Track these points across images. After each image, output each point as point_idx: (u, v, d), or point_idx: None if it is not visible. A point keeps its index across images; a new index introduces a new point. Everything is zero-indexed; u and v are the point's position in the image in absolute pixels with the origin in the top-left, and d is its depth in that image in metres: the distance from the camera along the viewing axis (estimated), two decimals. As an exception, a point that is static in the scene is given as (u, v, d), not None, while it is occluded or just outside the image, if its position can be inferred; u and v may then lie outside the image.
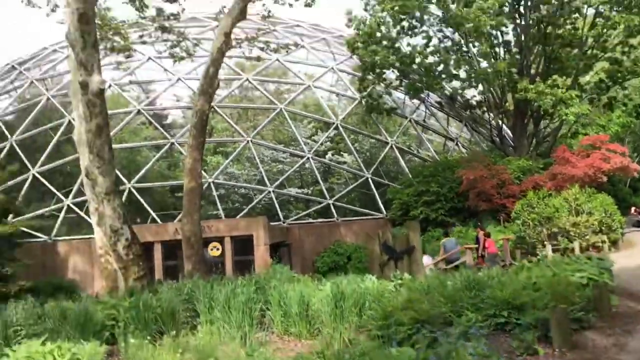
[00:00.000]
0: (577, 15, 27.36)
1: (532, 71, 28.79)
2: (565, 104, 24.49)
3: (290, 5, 20.65)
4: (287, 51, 27.40)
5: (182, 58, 21.93)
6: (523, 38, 28.08)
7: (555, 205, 19.32)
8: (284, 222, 28.87)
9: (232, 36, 18.03)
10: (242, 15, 17.09)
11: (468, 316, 6.93)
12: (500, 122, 31.08)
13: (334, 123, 31.89)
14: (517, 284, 8.14)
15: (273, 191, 29.46)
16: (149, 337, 8.16)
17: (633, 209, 27.16)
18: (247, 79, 31.67)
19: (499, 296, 7.49)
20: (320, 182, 31.52)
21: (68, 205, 26.98)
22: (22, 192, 27.12)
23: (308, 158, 31.08)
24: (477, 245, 18.57)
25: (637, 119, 30.87)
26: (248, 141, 29.96)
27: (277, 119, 33.99)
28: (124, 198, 23.39)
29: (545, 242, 18.71)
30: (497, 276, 9.74)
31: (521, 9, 28.06)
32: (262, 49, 22.85)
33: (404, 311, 7.38)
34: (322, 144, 33.95)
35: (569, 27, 27.36)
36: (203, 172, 24.05)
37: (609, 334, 7.12)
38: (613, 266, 11.20)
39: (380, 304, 8.19)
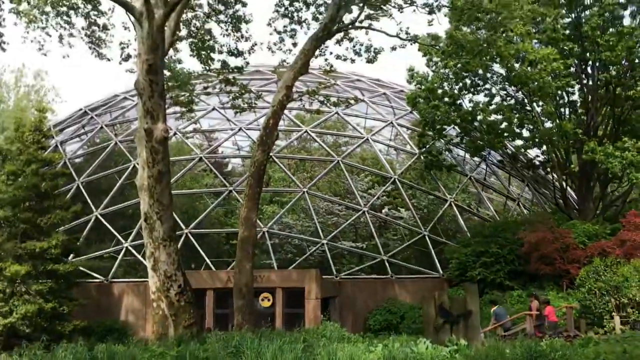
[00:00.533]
0: (648, 76, 26.56)
1: (600, 132, 27.94)
2: (636, 167, 23.45)
3: (353, 60, 20.93)
4: (347, 105, 27.64)
5: (244, 109, 22.44)
6: (590, 99, 27.36)
7: (625, 274, 18.23)
8: (336, 277, 28.46)
9: (294, 89, 18.34)
10: (304, 69, 17.41)
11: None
12: (564, 183, 30.03)
13: (391, 177, 31.68)
14: (583, 360, 7.55)
15: (327, 243, 29.21)
16: (193, 389, 7.97)
17: None
18: (306, 131, 32.06)
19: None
20: (375, 236, 31.07)
21: (127, 247, 27.55)
22: (84, 233, 27.91)
23: (364, 212, 30.79)
24: (535, 313, 17.73)
25: None
26: (304, 192, 30.04)
27: (334, 171, 34.06)
28: (180, 243, 23.81)
29: (614, 313, 17.56)
30: (561, 349, 9.09)
31: (588, 69, 27.47)
32: (322, 102, 23.12)
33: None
34: (378, 197, 33.65)
35: (639, 88, 26.51)
36: (258, 221, 24.20)
37: None
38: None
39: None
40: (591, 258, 21.04)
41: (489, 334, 15.56)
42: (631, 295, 17.65)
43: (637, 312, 17.48)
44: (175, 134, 30.20)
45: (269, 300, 24.59)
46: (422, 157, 31.42)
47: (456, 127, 30.60)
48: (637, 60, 25.12)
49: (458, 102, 29.51)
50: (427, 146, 30.96)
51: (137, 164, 17.30)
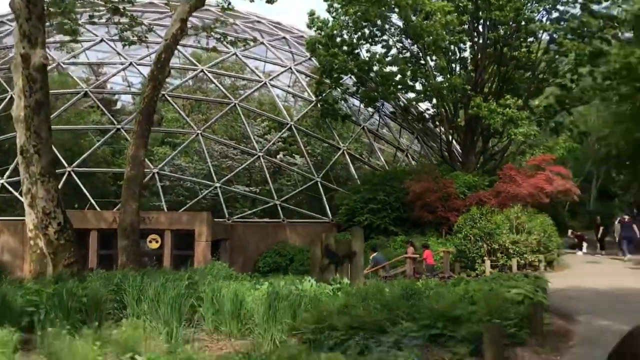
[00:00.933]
0: (532, 39, 28.10)
1: (486, 89, 29.34)
2: (515, 124, 25.01)
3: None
4: (245, 46, 26.98)
5: (134, 42, 21.19)
6: (479, 56, 28.58)
7: (497, 222, 19.62)
8: (228, 219, 28.36)
9: (189, 24, 17.56)
10: (200, 2, 16.66)
11: (403, 325, 6.79)
12: (450, 137, 31.50)
13: (287, 124, 31.65)
14: (454, 297, 8.09)
15: (220, 187, 28.91)
16: (69, 327, 7.69)
17: (570, 231, 27.95)
18: (202, 70, 31.07)
19: (435, 307, 7.40)
20: (270, 181, 31.17)
21: (2, 184, 25.73)
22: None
23: (259, 157, 30.67)
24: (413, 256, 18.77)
25: (580, 145, 31.85)
26: (198, 134, 29.33)
27: (230, 114, 33.43)
28: (62, 181, 22.53)
29: (485, 258, 18.95)
30: (435, 287, 9.70)
31: (480, 27, 28.57)
32: (218, 39, 22.34)
33: (339, 316, 7.20)
34: (274, 143, 33.60)
35: (524, 50, 28.05)
36: (148, 161, 23.36)
37: (540, 353, 7.13)
38: (548, 285, 11.37)
39: (315, 307, 7.97)
40: (469, 207, 22.46)
41: (370, 275, 16.29)
42: (501, 241, 19.09)
43: (505, 257, 18.96)
44: (57, 64, 28.09)
45: (157, 242, 24.11)
46: (318, 105, 31.55)
47: (353, 77, 30.91)
48: (523, 22, 26.38)
49: (356, 51, 29.74)
50: (324, 94, 31.10)
51: (14, 94, 15.96)
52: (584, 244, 25.53)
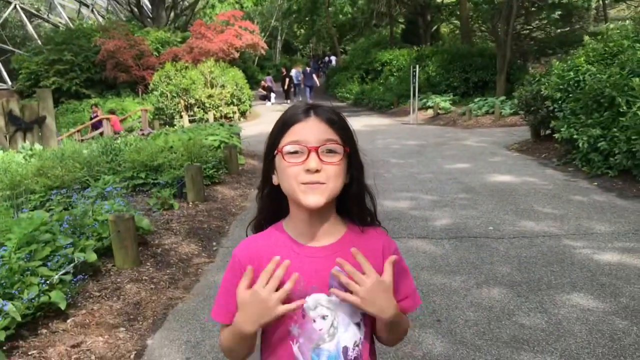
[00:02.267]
0: None
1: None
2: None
3: None
4: None
5: None
6: None
7: (192, 78, 19.96)
8: None
9: None
10: None
11: (105, 179, 6.82)
12: (139, -10, 29.90)
13: None
14: (154, 148, 8.30)
15: None
16: None
17: (262, 82, 29.83)
18: None
19: (137, 159, 7.55)
20: None
21: None
22: None
23: None
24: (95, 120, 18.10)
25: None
26: None
27: None
28: None
29: (183, 113, 19.38)
30: (134, 142, 9.78)
31: None
32: None
33: (36, 179, 6.86)
34: None
35: None
36: None
37: (236, 187, 7.97)
38: (241, 132, 12.37)
39: (7, 175, 7.40)
40: (164, 64, 22.23)
41: (70, 138, 15.38)
42: (197, 96, 19.63)
43: (202, 111, 19.68)
44: None
45: None
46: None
47: None
48: None
49: None
50: None
51: None
52: (272, 95, 27.72)
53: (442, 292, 4.05)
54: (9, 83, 27.13)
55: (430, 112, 18.48)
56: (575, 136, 7.84)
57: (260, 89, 29.67)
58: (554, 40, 23.74)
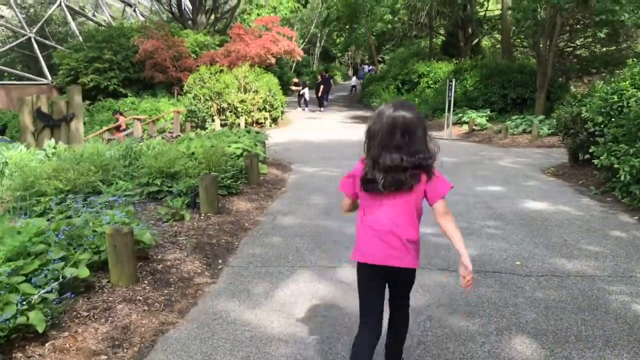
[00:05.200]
0: None
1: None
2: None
3: None
4: None
5: None
6: None
7: (226, 82, 19.85)
8: None
9: None
10: None
11: (118, 185, 6.63)
12: (180, -8, 30.11)
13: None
14: (174, 154, 8.09)
15: None
16: None
17: (294, 81, 29.66)
18: None
19: (154, 165, 7.34)
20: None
21: None
22: None
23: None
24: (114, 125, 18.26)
25: (304, 6, 33.22)
26: None
27: None
28: None
29: (215, 117, 19.28)
30: (157, 146, 9.60)
31: None
32: None
33: (48, 181, 6.70)
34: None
35: None
36: None
37: (254, 199, 7.68)
38: (267, 139, 12.12)
39: (22, 174, 7.27)
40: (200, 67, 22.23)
41: (98, 138, 15.43)
42: (230, 100, 19.51)
43: (234, 115, 19.55)
44: None
45: None
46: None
47: None
48: None
49: None
50: None
51: None
52: (306, 97, 27.46)
53: (457, 337, 3.65)
54: (49, 78, 27.53)
55: (465, 127, 17.94)
56: (616, 165, 7.31)
57: (293, 88, 29.29)
58: (598, 59, 22.90)
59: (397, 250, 2.73)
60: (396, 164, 2.68)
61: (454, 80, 16.77)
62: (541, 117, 15.98)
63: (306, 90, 27.77)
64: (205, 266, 5.02)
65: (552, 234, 6.00)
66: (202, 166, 7.73)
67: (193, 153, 8.56)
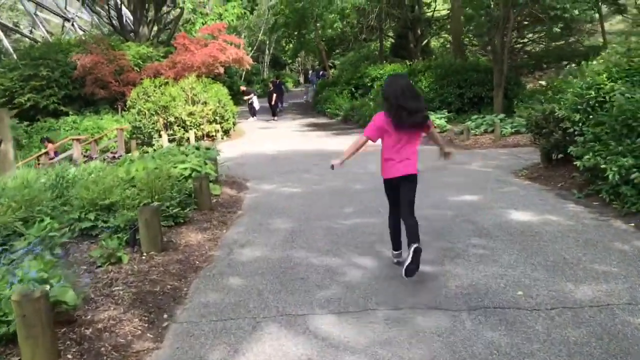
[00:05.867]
0: None
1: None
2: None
3: None
4: None
5: None
6: None
7: (172, 94, 18.76)
8: None
9: None
10: None
11: (40, 225, 5.62)
12: (120, 3, 28.71)
13: None
14: (110, 181, 7.08)
15: None
16: None
17: (242, 88, 28.88)
18: None
19: (86, 196, 6.34)
20: None
21: None
22: None
23: None
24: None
25: (251, 13, 32.30)
26: None
27: None
28: None
29: (162, 132, 18.17)
30: (94, 170, 8.55)
31: None
32: None
33: (-44, 224, 5.62)
34: None
35: None
36: None
37: (206, 228, 6.74)
38: (219, 155, 11.18)
39: None
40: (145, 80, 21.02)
41: (31, 163, 14.19)
42: (177, 114, 18.42)
43: (183, 129, 18.47)
44: None
45: None
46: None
47: None
48: None
49: None
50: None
51: None
52: (255, 106, 26.50)
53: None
54: (-22, 101, 25.73)
55: (425, 130, 17.40)
56: (602, 165, 6.71)
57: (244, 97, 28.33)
58: (550, 54, 22.81)
59: (409, 167, 4.72)
60: (420, 107, 4.61)
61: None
62: (501, 115, 15.54)
63: (255, 99, 26.79)
64: (146, 325, 4.07)
65: (548, 252, 5.30)
66: (143, 194, 6.75)
67: (133, 178, 7.57)
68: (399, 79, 4.76)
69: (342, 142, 16.36)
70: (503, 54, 17.57)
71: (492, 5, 16.82)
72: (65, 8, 33.89)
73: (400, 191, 4.75)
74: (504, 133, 13.94)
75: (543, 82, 27.27)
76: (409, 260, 4.37)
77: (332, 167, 4.83)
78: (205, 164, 8.98)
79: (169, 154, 9.86)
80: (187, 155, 9.79)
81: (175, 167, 8.31)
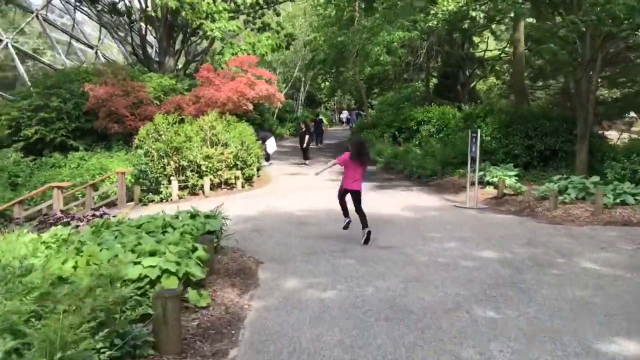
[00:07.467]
0: None
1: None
2: (212, 17, 21.15)
3: None
4: None
5: None
6: None
7: (188, 134, 15.93)
8: None
9: None
10: None
11: None
12: (145, 31, 26.48)
13: None
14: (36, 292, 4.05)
15: None
16: None
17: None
18: None
19: None
20: None
21: None
22: None
23: None
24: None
25: (287, 48, 29.72)
26: None
27: None
28: None
29: (172, 178, 15.29)
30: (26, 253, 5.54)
31: None
32: None
33: None
34: None
35: None
36: None
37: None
38: (225, 225, 8.11)
39: None
40: (167, 115, 18.29)
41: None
42: (192, 157, 15.55)
43: (197, 176, 15.57)
44: None
45: None
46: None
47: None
48: None
49: None
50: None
51: None
52: (268, 151, 22.69)
53: None
54: (-15, 132, 23.48)
55: (489, 189, 14.09)
56: None
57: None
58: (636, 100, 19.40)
59: (356, 184, 8.74)
60: (365, 153, 9.03)
61: (479, 130, 12.89)
62: (595, 178, 12.12)
63: (270, 141, 22.95)
64: None
65: None
66: (64, 330, 3.64)
67: (68, 278, 4.53)
68: (357, 139, 10.02)
69: (383, 201, 13.11)
70: (588, 99, 14.29)
71: (577, 42, 13.59)
72: (86, 33, 32.01)
73: (351, 197, 8.81)
74: (606, 203, 10.54)
75: (612, 132, 23.80)
76: (365, 237, 8.61)
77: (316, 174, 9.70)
78: (190, 257, 5.79)
79: (146, 228, 6.79)
80: (172, 230, 6.73)
81: (138, 263, 5.19)
